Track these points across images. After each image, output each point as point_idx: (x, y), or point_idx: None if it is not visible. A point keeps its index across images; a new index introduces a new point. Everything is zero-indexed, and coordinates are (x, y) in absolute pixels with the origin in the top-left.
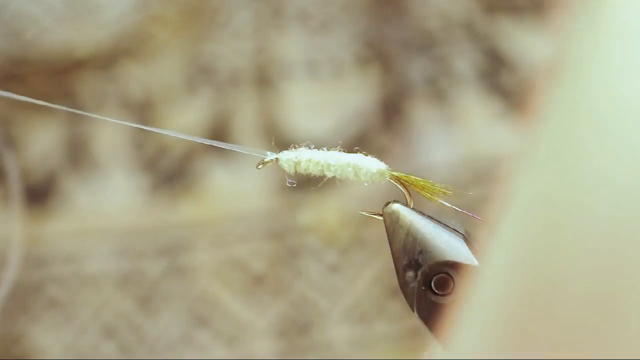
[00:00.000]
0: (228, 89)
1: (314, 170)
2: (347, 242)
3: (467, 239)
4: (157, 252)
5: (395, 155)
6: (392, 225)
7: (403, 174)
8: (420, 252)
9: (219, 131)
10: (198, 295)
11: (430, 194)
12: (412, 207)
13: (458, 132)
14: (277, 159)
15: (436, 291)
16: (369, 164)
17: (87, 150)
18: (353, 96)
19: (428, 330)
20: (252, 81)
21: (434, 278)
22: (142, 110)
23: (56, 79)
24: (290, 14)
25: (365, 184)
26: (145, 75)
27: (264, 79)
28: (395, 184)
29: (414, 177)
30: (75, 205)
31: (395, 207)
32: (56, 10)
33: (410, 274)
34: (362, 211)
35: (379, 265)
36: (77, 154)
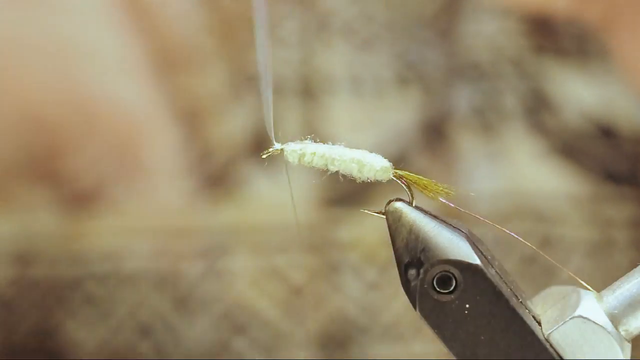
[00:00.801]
0: (273, 98)
1: (318, 164)
2: (386, 261)
3: (469, 237)
4: (196, 254)
5: (436, 178)
6: (395, 224)
7: (406, 172)
8: (423, 250)
9: (262, 139)
10: (235, 301)
11: (433, 193)
12: (414, 205)
13: (500, 165)
14: (282, 149)
15: (438, 289)
16: (372, 161)
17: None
18: (394, 115)
19: (430, 329)
20: (296, 92)
21: (436, 276)
22: (191, 119)
23: None
24: (335, 28)
25: (369, 180)
26: (193, 85)
27: (308, 91)
28: (398, 182)
29: (417, 175)
30: (119, 204)
31: (398, 205)
32: None
33: (412, 272)
34: (364, 209)
35: None
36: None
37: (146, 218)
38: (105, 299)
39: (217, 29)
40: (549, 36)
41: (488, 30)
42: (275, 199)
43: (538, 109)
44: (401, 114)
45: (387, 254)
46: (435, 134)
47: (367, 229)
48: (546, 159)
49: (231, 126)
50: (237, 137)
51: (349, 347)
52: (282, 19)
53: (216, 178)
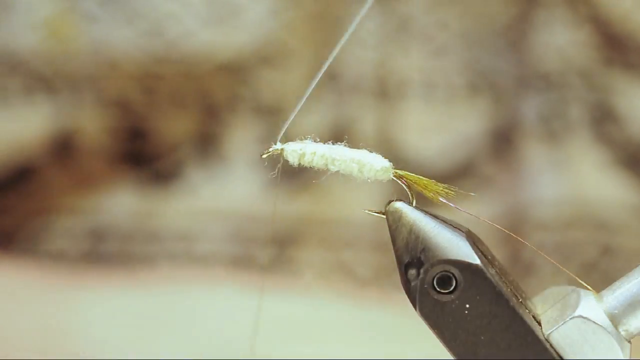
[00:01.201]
0: (350, 96)
1: (318, 164)
2: None
3: (469, 237)
4: (267, 241)
5: (501, 186)
6: (395, 224)
7: (406, 172)
8: (423, 250)
9: (339, 136)
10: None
11: (433, 193)
12: (414, 205)
13: (564, 173)
14: (282, 149)
15: (438, 289)
16: (373, 161)
17: (216, 142)
18: (463, 123)
19: (430, 328)
20: (371, 92)
21: (436, 276)
22: (272, 115)
23: (195, 79)
24: (412, 32)
25: (369, 181)
26: (276, 81)
27: (383, 92)
28: (399, 182)
29: (417, 175)
30: (196, 189)
31: (398, 205)
32: (198, 9)
33: (412, 272)
34: (365, 209)
35: None
36: (207, 145)
37: (222, 203)
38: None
39: (299, 27)
40: (618, 49)
41: (559, 41)
42: (348, 194)
43: (604, 120)
44: (470, 121)
45: None
46: (503, 142)
47: None
48: (610, 170)
49: (311, 122)
50: (315, 133)
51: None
52: (362, 19)
53: (292, 171)
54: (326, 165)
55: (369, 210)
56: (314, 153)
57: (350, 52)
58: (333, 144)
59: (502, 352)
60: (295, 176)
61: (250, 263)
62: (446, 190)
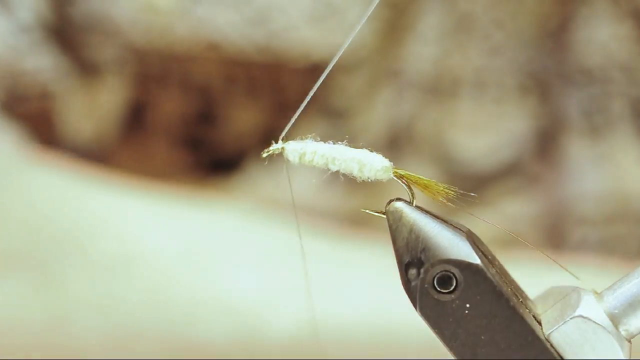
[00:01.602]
0: (408, 93)
1: (318, 163)
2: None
3: (469, 237)
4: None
5: (546, 183)
6: (395, 223)
7: (407, 172)
8: (423, 250)
9: (395, 134)
10: None
11: (433, 193)
12: (415, 205)
13: (606, 168)
14: (283, 148)
15: (439, 289)
16: (373, 160)
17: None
18: (511, 122)
19: (431, 328)
20: (426, 88)
21: (437, 276)
22: (338, 117)
23: (280, 74)
24: (471, 30)
25: (370, 180)
26: (348, 84)
27: (437, 89)
28: (399, 181)
29: (417, 175)
30: (254, 181)
31: (398, 205)
32: (303, 4)
33: (413, 271)
34: (364, 209)
35: None
36: (268, 140)
37: (276, 197)
38: None
39: (376, 28)
40: None
41: (601, 36)
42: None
43: None
44: (518, 121)
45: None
46: (548, 141)
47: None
48: None
49: (371, 121)
50: (375, 132)
51: None
52: (424, 13)
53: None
54: (327, 164)
55: (368, 210)
56: (315, 152)
57: (410, 48)
58: (334, 143)
59: (502, 351)
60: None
61: None
62: (446, 190)
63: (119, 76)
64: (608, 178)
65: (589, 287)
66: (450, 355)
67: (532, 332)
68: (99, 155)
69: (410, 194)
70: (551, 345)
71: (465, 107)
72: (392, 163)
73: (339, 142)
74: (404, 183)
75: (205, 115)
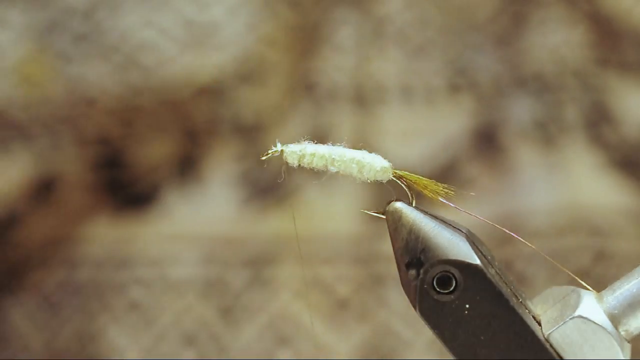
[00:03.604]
0: (327, 105)
1: (317, 164)
2: None
3: (469, 237)
4: (242, 262)
5: (490, 189)
6: (395, 224)
7: (406, 173)
8: (423, 250)
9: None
10: (280, 311)
11: (433, 193)
12: (414, 205)
13: (559, 178)
14: (282, 150)
15: (438, 289)
16: (372, 161)
17: (193, 165)
18: (445, 123)
19: (430, 329)
20: (349, 99)
21: (436, 276)
22: (252, 132)
23: (174, 105)
24: (390, 34)
25: (369, 181)
26: (256, 98)
27: (361, 98)
28: (399, 182)
29: (417, 175)
30: (171, 212)
31: (398, 205)
32: (174, 34)
33: (412, 272)
34: (364, 210)
35: None
36: (185, 168)
37: (196, 225)
38: (150, 305)
39: (278, 40)
40: (614, 48)
41: (553, 42)
42: (324, 209)
43: (599, 122)
44: (452, 121)
45: None
46: (487, 142)
47: None
48: (604, 173)
49: (287, 135)
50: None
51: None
52: (338, 24)
53: (268, 187)
54: (326, 166)
55: (368, 211)
56: (314, 154)
57: (327, 60)
58: (332, 145)
59: (502, 352)
60: (268, 194)
61: (225, 287)
62: (446, 190)
63: (19, 153)
64: (560, 187)
65: (589, 288)
66: (450, 356)
67: (532, 333)
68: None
69: (409, 194)
70: (551, 345)
71: (393, 113)
72: (391, 164)
73: (338, 144)
74: (403, 183)
75: (113, 161)
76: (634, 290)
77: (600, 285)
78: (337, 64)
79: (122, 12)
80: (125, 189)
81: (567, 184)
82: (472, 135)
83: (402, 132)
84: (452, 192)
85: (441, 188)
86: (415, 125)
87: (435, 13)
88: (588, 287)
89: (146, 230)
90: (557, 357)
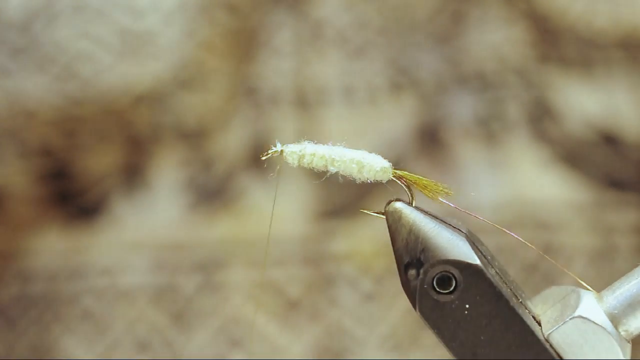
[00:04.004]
0: (269, 109)
1: (317, 165)
2: (382, 271)
3: (468, 237)
4: (192, 267)
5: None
6: (395, 224)
7: (406, 173)
8: (422, 250)
9: (259, 151)
10: (232, 314)
11: (432, 193)
12: (414, 205)
13: (503, 174)
14: (282, 151)
15: (438, 289)
16: (372, 161)
17: (139, 173)
18: (388, 123)
19: (430, 329)
20: (290, 102)
21: (436, 276)
22: (195, 138)
23: (115, 114)
24: (328, 36)
25: (369, 181)
26: (197, 104)
27: (302, 101)
28: (398, 182)
29: (416, 175)
30: (120, 221)
31: (398, 205)
32: (110, 44)
33: (412, 272)
34: (364, 209)
35: None
36: (131, 176)
37: (144, 232)
38: (103, 314)
39: (217, 45)
40: (554, 45)
41: (493, 39)
42: (270, 211)
43: (541, 117)
44: (395, 120)
45: (383, 264)
46: (431, 140)
47: (362, 240)
48: (549, 168)
49: (230, 139)
50: (236, 150)
51: (346, 358)
52: (276, 28)
53: (215, 191)
54: (326, 166)
55: (368, 211)
56: (314, 154)
57: (266, 64)
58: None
59: (502, 352)
60: (215, 198)
61: (176, 292)
62: (446, 191)
63: None
64: (505, 184)
65: (589, 288)
66: (450, 356)
67: (532, 333)
68: None
69: (409, 194)
70: (551, 345)
71: (336, 114)
72: (390, 164)
73: (338, 144)
74: (403, 183)
75: (60, 172)
76: (634, 290)
77: (548, 279)
78: (277, 67)
79: (58, 25)
80: (74, 200)
81: (512, 179)
82: (416, 133)
83: (346, 132)
84: (452, 193)
85: (441, 188)
86: (358, 125)
87: (374, 14)
88: (588, 287)
89: (96, 240)
90: (557, 357)
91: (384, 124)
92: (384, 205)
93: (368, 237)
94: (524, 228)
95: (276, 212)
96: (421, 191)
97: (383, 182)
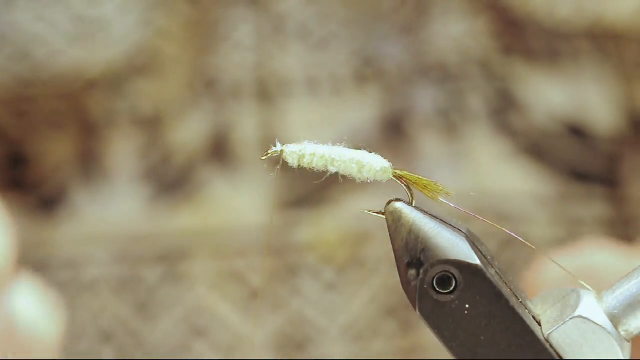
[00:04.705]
0: (229, 102)
1: (317, 165)
2: (344, 261)
3: (468, 237)
4: (155, 258)
5: None
6: (395, 224)
7: (406, 172)
8: (422, 250)
9: (220, 143)
10: (195, 304)
11: (432, 193)
12: (414, 205)
13: (464, 166)
14: (281, 151)
15: (438, 289)
16: (372, 161)
17: (97, 161)
18: (352, 114)
19: (430, 329)
20: (252, 95)
21: (436, 276)
22: (152, 125)
23: (68, 98)
24: (290, 29)
25: (369, 181)
26: (154, 91)
27: (264, 94)
28: (398, 182)
29: (417, 175)
30: (80, 212)
31: (398, 205)
32: (64, 28)
33: (412, 272)
34: (364, 209)
35: (375, 285)
36: (88, 164)
37: (105, 224)
38: (66, 306)
39: (175, 34)
40: (518, 36)
41: (455, 31)
42: (233, 202)
43: (504, 109)
44: (359, 112)
45: (345, 254)
46: (395, 131)
47: (325, 230)
48: (512, 160)
49: (190, 130)
50: (196, 141)
51: (308, 348)
52: (237, 22)
53: (175, 183)
54: (326, 166)
55: (367, 210)
56: (314, 154)
57: (226, 57)
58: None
59: (502, 352)
60: (176, 189)
61: (139, 283)
62: (446, 191)
63: None
64: (466, 176)
65: (589, 288)
66: (450, 356)
67: (532, 333)
68: None
69: (409, 194)
70: (551, 345)
71: (300, 106)
72: (390, 164)
73: (338, 144)
74: (403, 183)
75: (16, 156)
76: (634, 290)
77: (511, 270)
78: (238, 61)
79: (14, 7)
80: (33, 191)
81: (473, 171)
82: (380, 124)
83: (310, 123)
84: (451, 193)
85: (441, 188)
86: (322, 115)
87: (337, 6)
88: (588, 287)
89: (57, 233)
90: (557, 357)
91: (348, 114)
92: (384, 204)
93: (331, 227)
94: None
95: (240, 203)
96: (421, 191)
97: (383, 182)
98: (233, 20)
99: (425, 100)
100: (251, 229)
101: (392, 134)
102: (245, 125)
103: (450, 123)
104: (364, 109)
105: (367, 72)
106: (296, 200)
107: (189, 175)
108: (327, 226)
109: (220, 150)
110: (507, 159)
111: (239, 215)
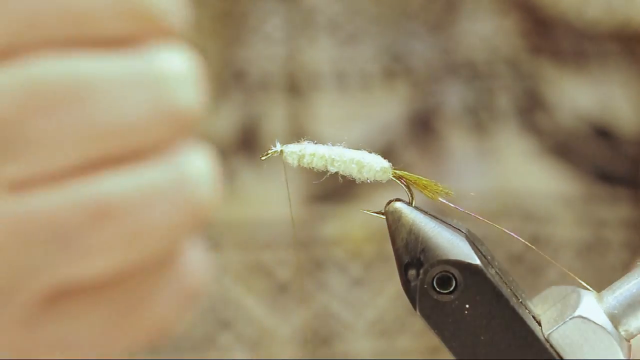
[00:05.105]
0: (258, 94)
1: (317, 165)
2: (371, 257)
3: (468, 237)
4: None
5: (427, 175)
6: (394, 224)
7: (406, 173)
8: (422, 250)
9: (249, 135)
10: (222, 295)
11: (433, 193)
12: (414, 205)
13: (491, 164)
14: (281, 151)
15: (438, 289)
16: (372, 161)
17: None
18: (380, 109)
19: (430, 329)
20: (281, 88)
21: (436, 276)
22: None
23: None
24: (320, 23)
25: (368, 181)
26: None
27: (294, 87)
28: (398, 182)
29: (417, 175)
30: None
31: (398, 205)
32: None
33: (412, 272)
34: (364, 209)
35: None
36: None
37: None
38: None
39: (205, 26)
40: (546, 36)
41: (484, 30)
42: (262, 194)
43: (531, 109)
44: (388, 107)
45: (372, 249)
46: (423, 128)
47: (352, 225)
48: (538, 159)
49: (219, 122)
50: (224, 133)
51: (333, 342)
52: (267, 15)
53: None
54: (325, 166)
55: (367, 211)
56: (314, 154)
57: (256, 49)
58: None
59: (502, 352)
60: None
61: None
62: (446, 191)
63: None
64: (493, 174)
65: (589, 288)
66: (449, 356)
67: (532, 333)
68: None
69: (409, 194)
70: (551, 345)
71: (328, 100)
72: (390, 164)
73: (338, 144)
74: (402, 183)
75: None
76: (634, 290)
77: (534, 271)
78: (268, 53)
79: None
80: None
81: (500, 169)
82: (408, 120)
83: (338, 117)
84: (452, 193)
85: (441, 188)
86: (351, 110)
87: (367, 2)
88: (588, 287)
89: None
90: (557, 357)
91: (377, 110)
92: (384, 205)
93: (359, 223)
94: (510, 218)
95: (268, 195)
96: (421, 191)
97: (383, 182)
98: (263, 12)
99: (454, 97)
100: (279, 221)
101: (420, 131)
102: (274, 117)
103: (478, 121)
104: (392, 105)
105: (395, 68)
106: (324, 194)
107: (218, 166)
108: (354, 221)
109: (248, 142)
110: (533, 158)
111: (267, 208)
